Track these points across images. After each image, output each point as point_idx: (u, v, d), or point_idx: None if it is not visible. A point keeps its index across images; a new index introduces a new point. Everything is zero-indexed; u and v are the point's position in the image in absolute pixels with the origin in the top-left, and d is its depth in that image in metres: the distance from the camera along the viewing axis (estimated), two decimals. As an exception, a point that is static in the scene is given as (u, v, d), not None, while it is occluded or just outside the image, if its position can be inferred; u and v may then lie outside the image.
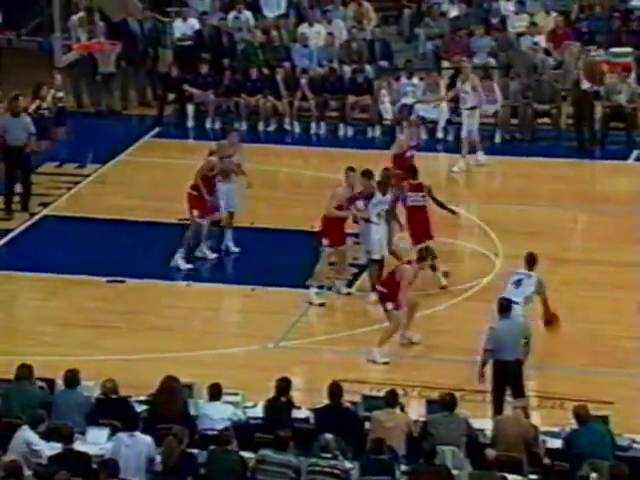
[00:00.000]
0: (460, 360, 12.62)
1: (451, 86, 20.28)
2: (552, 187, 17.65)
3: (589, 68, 20.01)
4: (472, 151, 18.37)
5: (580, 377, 12.96)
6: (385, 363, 13.11)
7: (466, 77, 18.57)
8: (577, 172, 17.70)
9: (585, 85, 19.58)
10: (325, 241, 14.55)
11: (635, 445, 10.74)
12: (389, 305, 13.29)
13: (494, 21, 21.68)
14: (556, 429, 10.94)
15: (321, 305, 14.53)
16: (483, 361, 11.84)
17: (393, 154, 16.19)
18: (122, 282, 15.08)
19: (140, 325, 14.15)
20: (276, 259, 15.61)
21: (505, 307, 12.02)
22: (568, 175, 18.21)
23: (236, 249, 15.75)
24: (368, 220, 14.48)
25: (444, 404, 10.80)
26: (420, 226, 14.60)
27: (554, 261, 14.17)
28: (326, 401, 11.06)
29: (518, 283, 13.06)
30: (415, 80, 20.31)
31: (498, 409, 11.60)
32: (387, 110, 20.20)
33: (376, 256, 14.47)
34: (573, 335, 13.55)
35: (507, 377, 11.71)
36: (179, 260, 15.29)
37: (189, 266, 15.28)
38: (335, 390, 10.98)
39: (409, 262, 13.52)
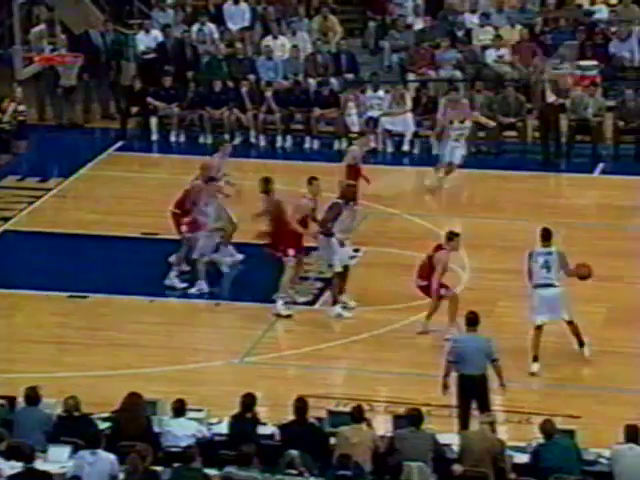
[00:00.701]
0: (426, 375, 12.64)
1: (417, 99, 20.40)
2: (518, 200, 17.76)
3: (555, 81, 20.18)
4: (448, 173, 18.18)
5: (546, 391, 13.03)
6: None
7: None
8: (543, 185, 17.83)
9: (551, 98, 19.74)
10: (291, 251, 14.57)
11: (601, 459, 10.79)
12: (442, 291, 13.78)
13: (459, 34, 21.83)
14: (523, 444, 10.99)
15: (288, 317, 14.54)
16: (445, 372, 11.88)
17: (346, 165, 16.36)
18: (84, 297, 15.02)
19: (103, 341, 14.09)
20: (241, 274, 15.59)
21: (473, 320, 12.07)
22: (534, 188, 18.33)
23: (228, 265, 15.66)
24: (330, 234, 14.51)
25: (411, 419, 10.83)
26: None
27: (520, 274, 14.23)
28: (292, 417, 11.05)
29: (547, 267, 13.24)
30: (381, 93, 20.40)
31: (464, 424, 11.63)
32: (354, 123, 20.26)
33: (339, 268, 14.52)
34: (539, 349, 13.61)
35: (472, 391, 11.75)
36: (174, 279, 15.12)
37: (184, 285, 15.10)
38: (300, 405, 10.98)
39: (441, 247, 13.82)
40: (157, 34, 21.56)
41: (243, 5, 22.27)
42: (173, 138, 20.59)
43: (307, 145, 20.44)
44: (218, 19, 22.17)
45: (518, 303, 14.13)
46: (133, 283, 15.28)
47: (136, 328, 14.40)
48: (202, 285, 15.14)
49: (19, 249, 16.55)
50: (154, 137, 20.56)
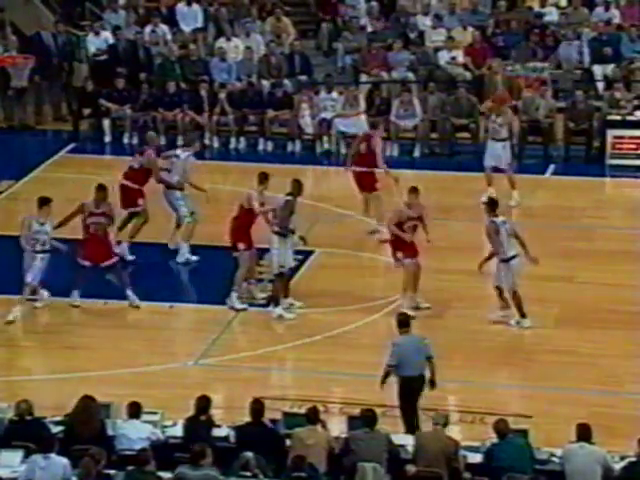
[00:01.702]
0: (380, 376, 12.70)
1: (370, 100, 20.48)
2: (471, 201, 17.87)
3: (507, 83, 20.34)
4: None
5: (499, 391, 13.13)
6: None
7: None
8: (495, 186, 17.93)
9: None
10: (241, 245, 14.58)
11: (553, 458, 10.89)
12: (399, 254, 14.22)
13: (412, 35, 21.94)
14: (476, 444, 11.07)
15: (243, 310, 14.54)
16: (385, 375, 11.88)
17: None
18: (35, 300, 14.92)
19: (55, 344, 14.02)
20: (195, 276, 15.57)
21: (405, 322, 12.13)
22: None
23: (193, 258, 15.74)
24: (285, 234, 14.53)
25: (365, 420, 10.87)
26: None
27: (472, 275, 14.34)
28: (247, 419, 11.06)
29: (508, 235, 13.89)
30: (334, 94, 20.45)
31: (410, 426, 11.67)
32: (307, 124, 20.31)
33: (285, 270, 14.52)
34: (491, 349, 13.73)
35: (413, 393, 11.82)
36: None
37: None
38: (257, 407, 10.99)
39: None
40: (107, 36, 21.49)
41: (196, 6, 22.25)
42: (126, 140, 20.53)
43: (261, 147, 20.46)
44: (171, 20, 22.14)
45: (471, 303, 14.23)
46: (87, 286, 15.18)
47: (89, 331, 14.34)
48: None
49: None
50: (107, 139, 20.50)
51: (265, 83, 21.07)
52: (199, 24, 22.18)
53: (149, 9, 22.36)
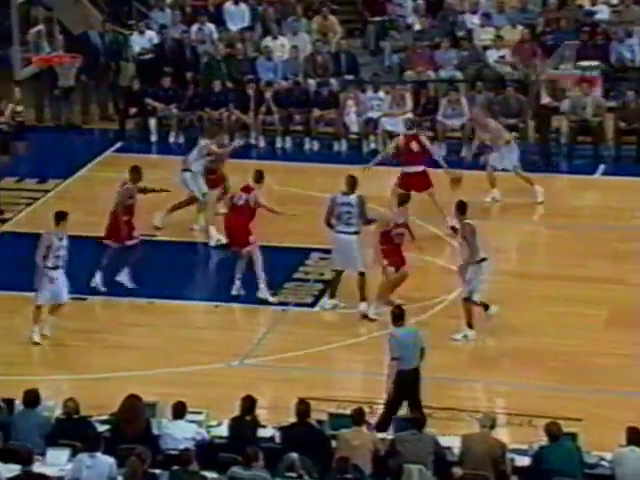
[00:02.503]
0: (427, 377, 12.64)
1: (417, 99, 20.40)
2: (519, 201, 17.76)
3: (552, 82, 20.18)
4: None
5: (547, 394, 13.02)
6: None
7: None
8: (544, 187, 17.80)
9: (545, 100, 19.74)
10: (252, 239, 14.66)
11: (603, 462, 10.79)
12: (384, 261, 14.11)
13: (460, 34, 21.83)
14: (524, 447, 10.99)
15: (274, 302, 14.67)
16: (391, 372, 11.81)
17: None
18: (83, 299, 15.02)
19: (102, 343, 14.09)
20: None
21: (399, 315, 12.09)
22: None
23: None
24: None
25: (412, 422, 10.83)
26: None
27: (517, 277, 14.23)
28: (292, 419, 11.05)
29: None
30: (381, 94, 20.40)
31: (387, 422, 11.44)
32: (353, 123, 20.28)
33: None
34: (539, 352, 13.61)
35: (409, 386, 11.73)
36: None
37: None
38: (303, 408, 10.98)
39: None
40: (152, 35, 21.58)
41: (243, 5, 22.28)
42: (172, 139, 20.60)
43: (307, 146, 20.45)
44: (217, 19, 22.20)
45: (517, 304, 14.14)
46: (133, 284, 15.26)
47: (135, 330, 14.41)
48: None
49: (18, 251, 16.54)
50: (153, 138, 20.58)
51: (311, 82, 21.06)
52: (246, 23, 22.21)
53: (196, 8, 22.42)
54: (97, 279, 15.14)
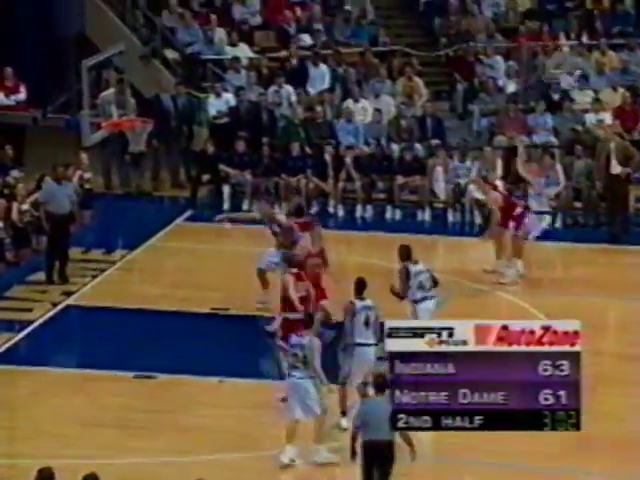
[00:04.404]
0: (513, 465, 12.46)
1: (508, 166, 20.38)
2: (620, 277, 17.57)
3: (621, 150, 19.99)
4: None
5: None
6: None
7: None
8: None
9: (616, 169, 19.52)
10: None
11: None
12: None
13: (555, 97, 21.84)
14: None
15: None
16: (352, 437, 11.81)
17: None
18: (150, 377, 15.12)
19: (169, 425, 14.11)
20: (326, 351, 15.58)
21: (382, 385, 11.97)
22: (636, 263, 18.13)
23: None
24: None
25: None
26: None
27: (617, 358, 14.04)
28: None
29: (367, 322, 13.66)
30: (468, 163, 20.36)
31: None
32: (441, 190, 20.31)
33: None
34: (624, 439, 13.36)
35: (376, 459, 11.58)
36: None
37: None
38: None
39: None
40: (229, 97, 21.88)
41: (323, 66, 22.55)
42: (245, 207, 20.79)
43: (389, 215, 20.51)
44: (296, 81, 22.45)
45: (622, 388, 13.90)
46: (202, 362, 15.35)
47: (204, 411, 14.43)
48: None
49: (82, 325, 16.76)
50: (226, 206, 20.78)
51: (395, 147, 21.18)
52: (326, 85, 22.45)
53: (272, 69, 22.76)
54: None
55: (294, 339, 13.20)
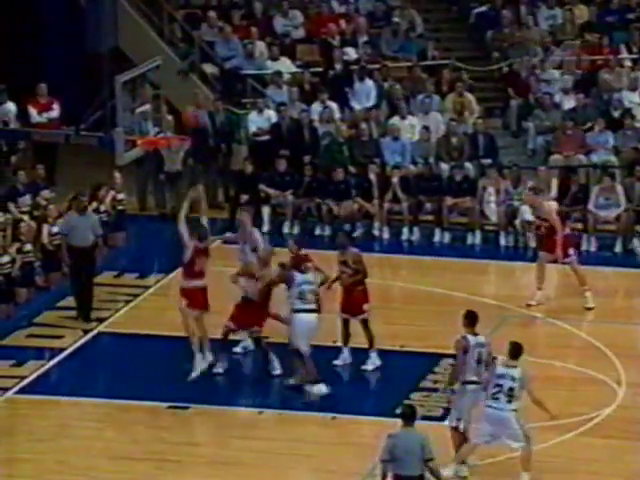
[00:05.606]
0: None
1: (564, 187, 20.22)
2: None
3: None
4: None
5: None
6: None
7: None
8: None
9: None
10: None
11: None
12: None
13: (616, 114, 21.70)
14: None
15: None
16: (382, 474, 11.77)
17: None
18: (185, 409, 15.11)
19: (204, 458, 14.12)
20: (358, 385, 15.51)
21: (410, 415, 11.92)
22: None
23: None
24: None
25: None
26: None
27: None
28: None
29: (479, 360, 13.24)
30: (521, 188, 20.16)
31: None
32: (492, 212, 20.20)
33: None
34: None
35: None
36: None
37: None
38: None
39: None
40: (271, 114, 21.90)
41: (368, 82, 22.54)
42: (286, 229, 20.79)
43: (437, 238, 20.42)
44: (340, 97, 22.45)
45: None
46: (239, 393, 15.32)
47: (241, 444, 14.40)
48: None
49: (114, 354, 16.78)
50: (265, 228, 20.74)
51: (444, 166, 21.11)
52: (371, 101, 22.44)
53: (315, 85, 22.77)
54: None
55: (500, 370, 13.01)
